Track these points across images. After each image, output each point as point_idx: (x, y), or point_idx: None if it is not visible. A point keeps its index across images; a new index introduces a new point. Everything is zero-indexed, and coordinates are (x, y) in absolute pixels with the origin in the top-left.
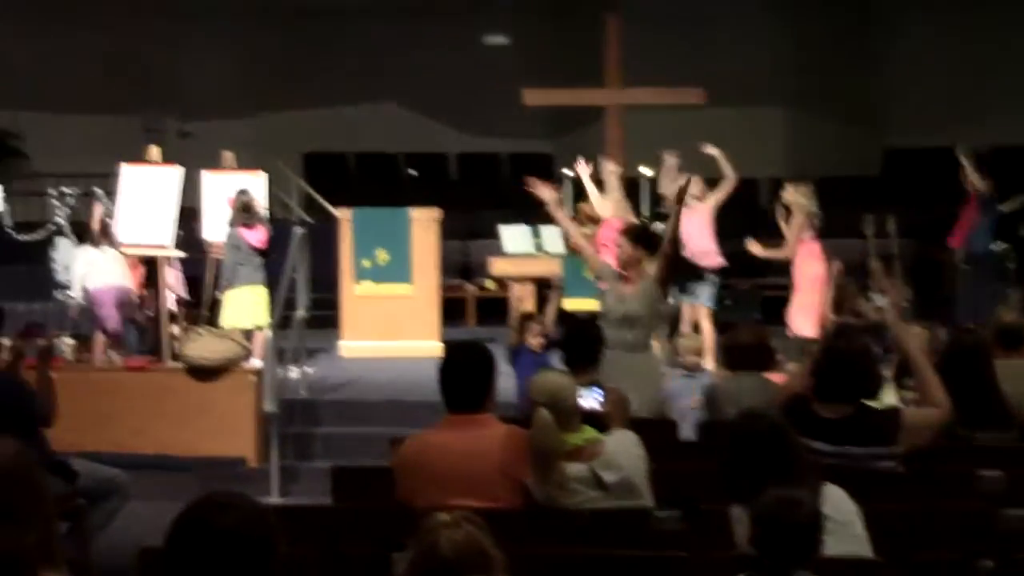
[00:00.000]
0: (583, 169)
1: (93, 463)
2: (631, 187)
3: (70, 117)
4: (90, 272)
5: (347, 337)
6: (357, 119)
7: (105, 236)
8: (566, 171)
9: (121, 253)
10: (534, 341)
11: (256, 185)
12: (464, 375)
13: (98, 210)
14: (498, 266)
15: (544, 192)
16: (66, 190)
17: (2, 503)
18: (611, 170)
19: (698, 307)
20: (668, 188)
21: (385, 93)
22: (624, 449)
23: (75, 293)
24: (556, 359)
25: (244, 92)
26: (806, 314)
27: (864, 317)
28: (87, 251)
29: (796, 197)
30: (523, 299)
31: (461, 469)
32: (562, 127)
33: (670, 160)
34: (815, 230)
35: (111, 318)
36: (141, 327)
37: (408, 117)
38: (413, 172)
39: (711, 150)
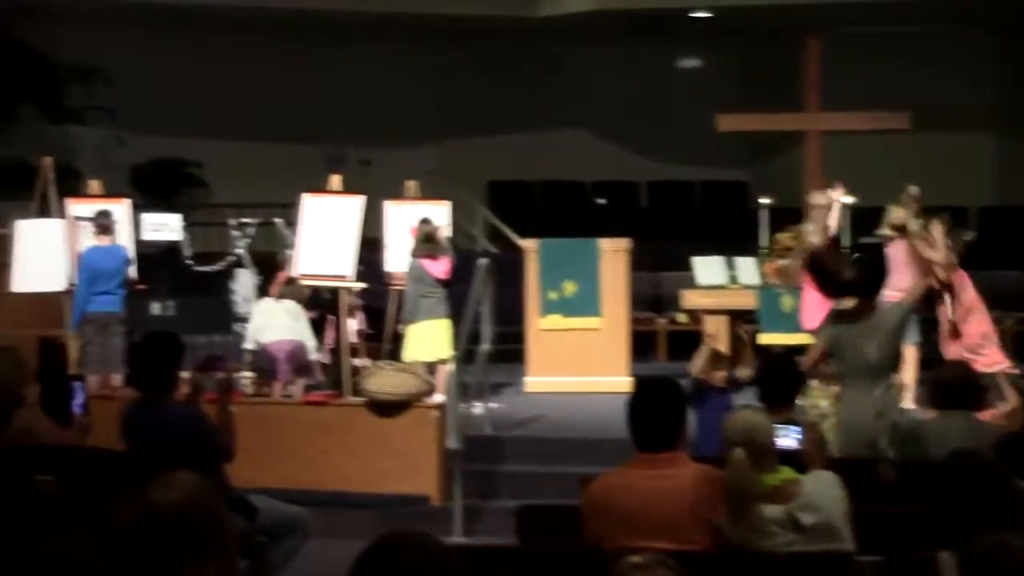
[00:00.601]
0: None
1: (273, 500)
2: None
3: (250, 145)
4: (264, 325)
5: (533, 372)
6: (543, 146)
7: (289, 287)
8: (762, 200)
9: (301, 305)
10: (719, 377)
11: (439, 215)
12: (655, 413)
13: (284, 273)
14: (690, 299)
15: None
16: (246, 220)
17: (184, 539)
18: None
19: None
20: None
21: (572, 119)
22: (823, 490)
23: (249, 344)
24: (740, 399)
25: (427, 119)
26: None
27: None
28: (264, 302)
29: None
30: (716, 336)
31: (652, 510)
32: (758, 154)
33: (912, 190)
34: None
35: (283, 372)
36: (312, 384)
37: (596, 144)
38: (602, 201)
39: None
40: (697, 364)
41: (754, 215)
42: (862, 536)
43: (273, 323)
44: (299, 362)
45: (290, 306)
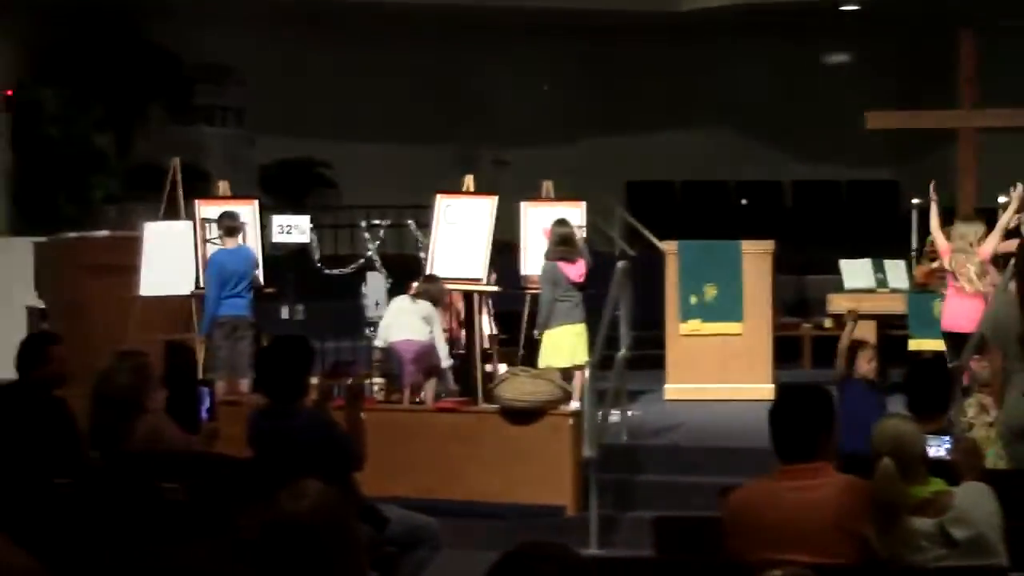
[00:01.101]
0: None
1: (403, 509)
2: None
3: (380, 146)
4: (394, 323)
5: (672, 379)
6: (684, 145)
7: (428, 285)
8: (914, 201)
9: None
10: (867, 367)
11: (575, 216)
12: (798, 421)
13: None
14: (837, 303)
15: None
16: (377, 222)
17: (313, 549)
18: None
19: None
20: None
21: (714, 117)
22: (976, 503)
23: (378, 342)
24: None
25: (563, 117)
26: None
27: None
28: (399, 300)
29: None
30: (857, 310)
31: (795, 522)
32: (908, 152)
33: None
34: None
35: (408, 373)
36: (444, 391)
37: (739, 142)
38: (744, 201)
39: None
40: (843, 342)
41: (905, 216)
42: (1017, 552)
43: (402, 321)
44: (426, 364)
45: (424, 308)
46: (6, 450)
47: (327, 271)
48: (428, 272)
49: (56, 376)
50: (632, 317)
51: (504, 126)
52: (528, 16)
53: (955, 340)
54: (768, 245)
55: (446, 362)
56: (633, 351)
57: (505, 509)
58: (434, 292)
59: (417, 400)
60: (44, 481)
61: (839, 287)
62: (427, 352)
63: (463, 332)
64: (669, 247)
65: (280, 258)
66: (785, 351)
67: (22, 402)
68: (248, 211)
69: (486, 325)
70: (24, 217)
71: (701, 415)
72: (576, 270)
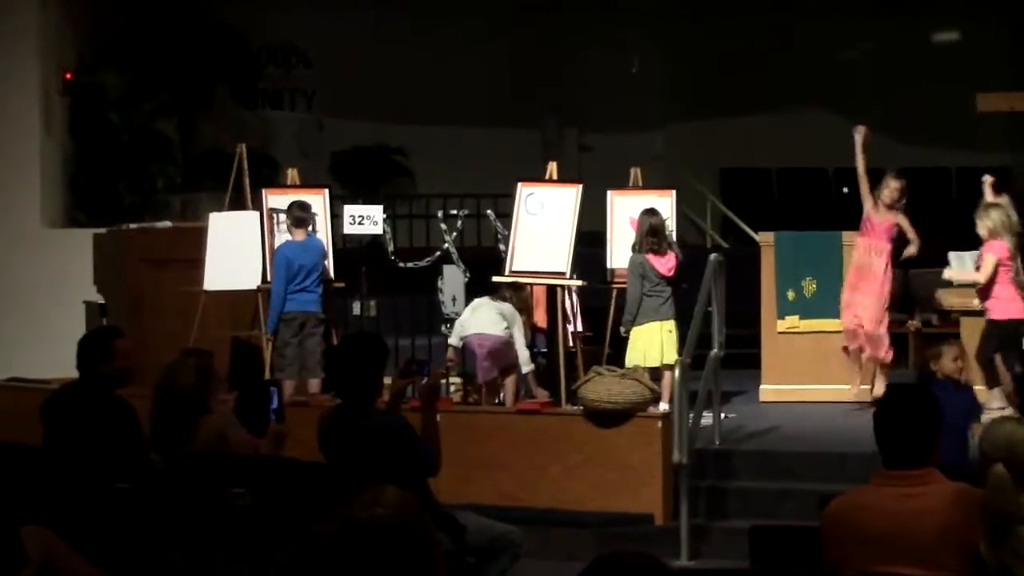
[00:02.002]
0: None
1: (481, 517)
2: None
3: (457, 131)
4: (470, 320)
5: (768, 379)
6: (781, 129)
7: (514, 292)
8: None
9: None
10: (952, 366)
11: (665, 205)
12: (905, 425)
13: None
14: (946, 298)
15: None
16: (454, 212)
17: (388, 559)
18: None
19: None
20: None
21: (813, 99)
22: None
23: (453, 340)
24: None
25: (653, 101)
26: None
27: None
28: (480, 299)
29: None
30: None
31: (899, 532)
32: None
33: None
34: None
35: (482, 370)
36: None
37: (840, 127)
38: (846, 190)
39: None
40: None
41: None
42: None
43: (480, 318)
44: (503, 362)
45: (504, 307)
46: (68, 453)
47: (401, 264)
48: (509, 267)
49: (121, 372)
50: (725, 313)
51: (590, 109)
52: None
53: None
54: None
55: (526, 367)
56: (726, 350)
57: (589, 517)
58: (519, 301)
59: (496, 401)
60: (106, 485)
61: (948, 282)
62: (502, 349)
63: (546, 330)
64: (765, 239)
65: (352, 250)
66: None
67: (85, 402)
68: (318, 200)
69: (576, 322)
70: (83, 207)
71: (799, 417)
72: (666, 263)
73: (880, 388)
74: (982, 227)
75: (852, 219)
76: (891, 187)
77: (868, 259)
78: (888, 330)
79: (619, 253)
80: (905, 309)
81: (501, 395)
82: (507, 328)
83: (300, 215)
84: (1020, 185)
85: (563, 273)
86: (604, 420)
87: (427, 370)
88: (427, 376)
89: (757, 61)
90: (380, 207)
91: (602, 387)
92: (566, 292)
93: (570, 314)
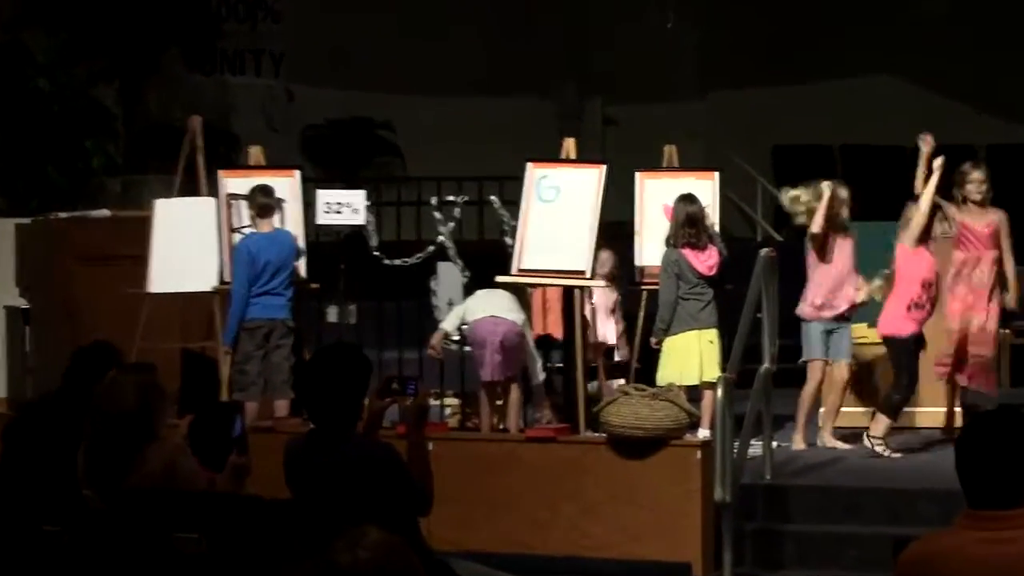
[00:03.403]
0: None
1: (482, 566)
2: None
3: (455, 101)
4: (479, 302)
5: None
6: (846, 99)
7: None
8: None
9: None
10: None
11: (706, 190)
12: (993, 457)
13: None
14: None
15: None
16: (451, 198)
17: None
18: None
19: None
20: None
21: (885, 63)
22: None
23: (448, 324)
24: None
25: (693, 63)
26: None
27: None
28: (484, 293)
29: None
30: None
31: None
32: None
33: None
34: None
35: (492, 365)
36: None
37: (917, 96)
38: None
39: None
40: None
41: None
42: None
43: (494, 302)
44: (516, 361)
45: (512, 297)
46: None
47: (387, 262)
48: (518, 265)
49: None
50: (779, 321)
51: (616, 75)
52: None
53: None
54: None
55: (538, 377)
56: (779, 364)
57: (614, 567)
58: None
59: (501, 427)
60: (32, 528)
61: None
62: (518, 344)
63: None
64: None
65: (328, 245)
66: None
67: (15, 430)
68: (287, 185)
69: (606, 332)
70: (3, 192)
71: (863, 448)
72: (706, 260)
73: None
74: None
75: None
76: (975, 179)
77: (974, 273)
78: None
79: (650, 248)
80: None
81: (509, 414)
82: (524, 318)
83: (265, 202)
84: None
85: (582, 272)
86: (631, 449)
87: (413, 388)
88: (413, 396)
89: (816, 17)
90: (362, 193)
91: (629, 409)
92: (588, 294)
93: (608, 322)
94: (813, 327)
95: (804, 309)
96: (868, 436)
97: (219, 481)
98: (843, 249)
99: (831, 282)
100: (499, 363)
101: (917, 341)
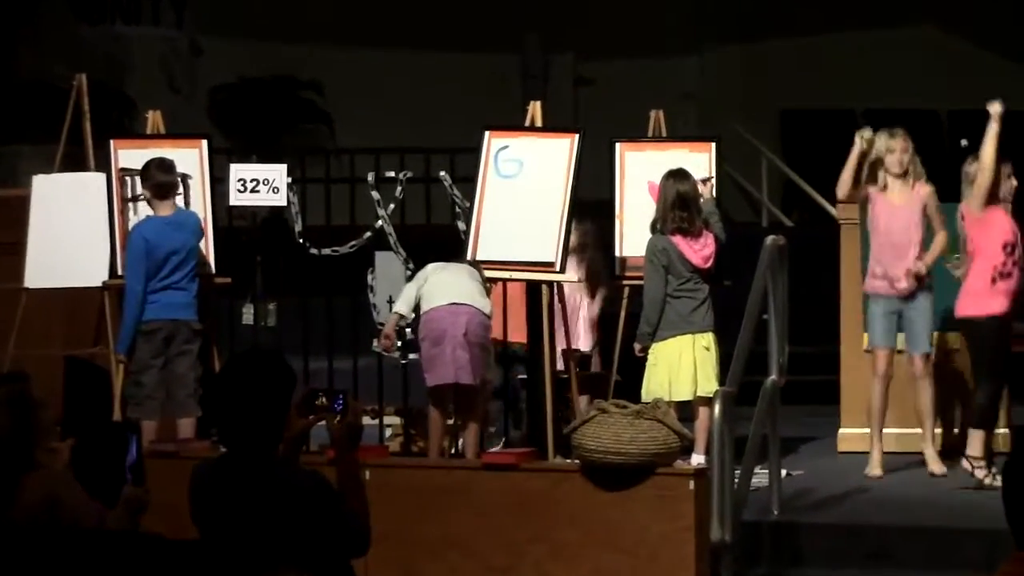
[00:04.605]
0: None
1: None
2: None
3: (397, 56)
4: (438, 281)
5: (849, 420)
6: (867, 56)
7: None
8: None
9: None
10: None
11: (700, 164)
12: None
13: None
14: None
15: None
16: (391, 175)
17: None
18: None
19: None
20: None
21: (912, 13)
22: None
23: (401, 307)
24: None
25: (681, 13)
26: None
27: None
28: (442, 268)
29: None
30: None
31: None
32: None
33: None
34: None
35: (451, 364)
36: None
37: (954, 54)
38: (965, 142)
39: None
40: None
41: None
42: None
43: (457, 281)
44: (483, 362)
45: (476, 275)
46: None
47: (314, 251)
48: (473, 254)
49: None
50: (788, 323)
51: (590, 25)
52: None
53: None
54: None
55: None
56: (789, 376)
57: None
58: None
59: (452, 451)
60: None
61: None
62: (487, 340)
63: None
64: (847, 213)
65: (242, 231)
66: None
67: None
68: (192, 157)
69: (581, 338)
70: None
71: (896, 477)
72: (701, 249)
73: None
74: None
75: None
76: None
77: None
78: None
79: (632, 234)
80: None
81: (460, 442)
82: (490, 308)
83: (165, 180)
84: None
85: (551, 264)
86: (610, 479)
87: (341, 404)
88: (342, 413)
89: None
90: (283, 167)
91: (608, 431)
92: (556, 291)
93: (581, 325)
94: (873, 306)
95: (866, 282)
96: (966, 457)
97: (111, 517)
98: (898, 212)
99: (889, 252)
100: (464, 362)
101: (1003, 324)
